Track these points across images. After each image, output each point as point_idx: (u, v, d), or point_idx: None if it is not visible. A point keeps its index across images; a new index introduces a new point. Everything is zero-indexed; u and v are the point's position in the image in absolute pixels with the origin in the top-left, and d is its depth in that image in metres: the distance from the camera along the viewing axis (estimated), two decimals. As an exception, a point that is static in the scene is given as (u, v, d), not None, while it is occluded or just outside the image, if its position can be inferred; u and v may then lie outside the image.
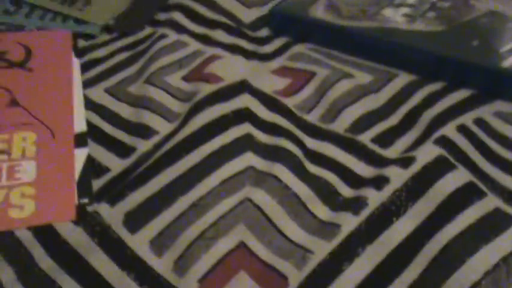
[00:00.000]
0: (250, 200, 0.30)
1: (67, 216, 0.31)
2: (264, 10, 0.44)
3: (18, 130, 0.36)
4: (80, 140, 0.35)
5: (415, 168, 0.30)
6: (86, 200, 0.31)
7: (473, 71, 0.35)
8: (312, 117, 0.35)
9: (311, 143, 0.33)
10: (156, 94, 0.37)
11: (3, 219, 0.31)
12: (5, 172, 0.33)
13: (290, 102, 0.36)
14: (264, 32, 0.43)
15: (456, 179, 0.30)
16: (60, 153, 0.34)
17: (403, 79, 0.37)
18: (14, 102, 0.38)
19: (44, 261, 0.28)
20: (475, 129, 0.32)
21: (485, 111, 0.34)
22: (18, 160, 0.34)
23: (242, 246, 0.29)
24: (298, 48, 0.40)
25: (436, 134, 0.32)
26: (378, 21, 0.39)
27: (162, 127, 0.35)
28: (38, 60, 0.41)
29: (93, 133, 0.35)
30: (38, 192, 0.32)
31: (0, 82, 0.39)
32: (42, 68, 0.40)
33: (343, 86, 0.36)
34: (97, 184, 0.32)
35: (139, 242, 0.29)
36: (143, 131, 0.35)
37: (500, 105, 0.34)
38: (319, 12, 0.41)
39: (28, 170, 0.33)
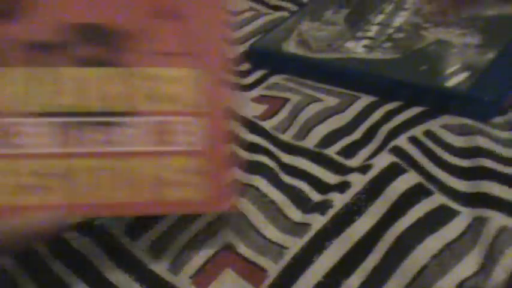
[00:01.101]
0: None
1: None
2: (243, 47, 0.50)
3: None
4: None
5: (372, 173, 0.36)
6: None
7: (423, 91, 0.41)
8: (286, 136, 0.40)
9: (286, 157, 0.39)
10: None
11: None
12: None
13: (267, 124, 0.42)
14: (244, 66, 0.49)
15: (407, 181, 0.35)
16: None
17: (364, 101, 0.42)
18: None
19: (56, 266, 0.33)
20: (424, 139, 0.38)
21: (433, 124, 0.39)
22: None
23: (228, 247, 0.33)
24: (274, 79, 0.46)
25: (391, 145, 0.38)
26: (342, 52, 0.45)
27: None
28: None
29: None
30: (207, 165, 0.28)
31: None
32: None
33: (312, 109, 0.42)
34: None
35: (140, 248, 0.34)
36: None
37: (446, 119, 0.40)
38: (291, 47, 0.47)
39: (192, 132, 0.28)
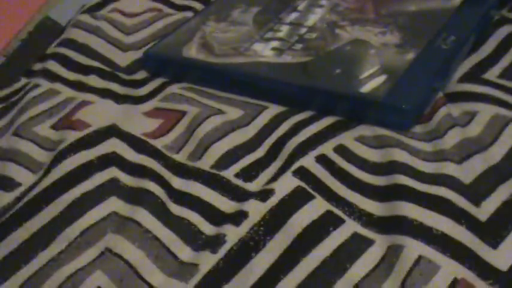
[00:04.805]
0: (109, 250, 0.30)
1: None
2: (139, 53, 0.44)
3: None
4: None
5: (273, 201, 0.30)
6: None
7: (336, 99, 0.36)
8: (181, 156, 0.35)
9: (178, 182, 0.33)
10: (23, 145, 0.36)
11: None
12: None
13: (160, 143, 0.36)
14: (141, 75, 0.43)
15: (313, 209, 0.30)
16: None
17: (271, 112, 0.37)
18: None
19: None
20: (334, 156, 0.33)
21: (346, 137, 0.34)
22: None
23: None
24: (172, 88, 0.40)
25: (296, 165, 0.32)
26: (248, 56, 0.40)
27: (26, 179, 0.34)
28: None
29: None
30: None
31: None
32: None
33: (212, 122, 0.36)
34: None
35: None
36: (5, 183, 0.34)
37: (362, 130, 0.34)
38: (192, 51, 0.41)
39: None
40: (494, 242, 0.28)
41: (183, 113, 0.38)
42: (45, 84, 0.41)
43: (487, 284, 0.26)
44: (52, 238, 0.30)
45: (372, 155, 0.33)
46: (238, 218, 0.30)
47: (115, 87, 0.41)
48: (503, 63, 0.38)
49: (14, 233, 0.31)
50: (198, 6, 0.49)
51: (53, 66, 0.43)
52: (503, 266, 0.27)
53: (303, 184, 0.31)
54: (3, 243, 0.31)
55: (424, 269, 0.27)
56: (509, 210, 0.29)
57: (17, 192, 0.34)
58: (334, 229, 0.29)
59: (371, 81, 0.36)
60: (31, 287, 0.28)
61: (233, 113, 0.37)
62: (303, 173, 0.32)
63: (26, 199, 0.32)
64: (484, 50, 0.40)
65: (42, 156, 0.36)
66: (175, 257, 0.29)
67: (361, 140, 0.34)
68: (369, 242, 0.28)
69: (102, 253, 0.30)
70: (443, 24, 0.40)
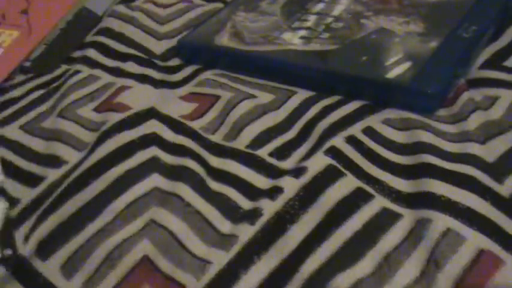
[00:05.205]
0: (154, 221, 0.32)
1: None
2: (173, 42, 0.46)
3: None
4: None
5: (306, 178, 0.32)
6: (9, 252, 0.32)
7: (362, 84, 0.38)
8: (216, 137, 0.37)
9: (215, 161, 0.35)
10: (68, 126, 0.39)
11: None
12: None
13: (196, 125, 0.38)
14: (175, 62, 0.45)
15: (344, 185, 0.32)
16: None
17: (300, 96, 0.39)
18: None
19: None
20: (362, 137, 0.35)
21: (374, 120, 0.36)
22: None
23: (146, 262, 0.30)
24: (206, 74, 0.42)
25: (327, 145, 0.34)
26: (277, 44, 0.42)
27: (72, 157, 0.37)
28: None
29: (7, 169, 0.36)
30: None
31: None
32: None
33: (245, 106, 0.38)
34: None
35: (50, 269, 0.30)
36: (53, 161, 0.36)
37: (388, 113, 0.36)
38: (224, 40, 0.43)
39: None
40: (516, 216, 0.30)
41: (217, 97, 0.40)
42: (85, 70, 0.44)
43: (511, 255, 0.28)
44: (99, 211, 0.33)
45: (399, 137, 0.35)
46: (274, 193, 0.32)
47: (152, 72, 0.43)
48: (523, 51, 0.40)
49: (63, 206, 0.33)
50: (227, -3, 0.52)
51: (92, 53, 0.45)
52: (525, 239, 0.29)
53: (334, 162, 0.33)
54: (53, 216, 0.33)
55: (451, 241, 0.28)
56: (530, 187, 0.31)
57: (64, 169, 0.36)
58: (365, 204, 0.31)
59: (396, 68, 0.38)
60: (80, 256, 0.31)
61: (264, 97, 0.39)
62: (334, 152, 0.34)
63: (73, 175, 0.35)
64: (503, 39, 0.41)
65: (87, 136, 0.38)
66: (215, 229, 0.31)
67: (387, 122, 0.36)
68: (398, 216, 0.30)
69: (147, 224, 0.32)
70: (464, 14, 0.42)
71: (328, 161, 0.33)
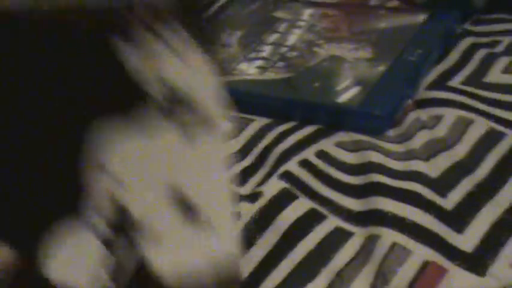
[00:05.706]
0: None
1: None
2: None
3: None
4: None
5: (262, 202, 0.34)
6: None
7: (315, 109, 0.40)
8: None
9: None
10: None
11: None
12: None
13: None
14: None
15: (298, 208, 0.33)
16: None
17: (258, 124, 0.40)
18: None
19: None
20: (316, 160, 0.36)
21: (326, 143, 0.38)
22: None
23: None
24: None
25: (281, 169, 0.36)
26: (234, 75, 0.44)
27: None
28: None
29: None
30: None
31: None
32: None
33: (204, 136, 0.40)
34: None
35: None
36: None
37: (340, 136, 0.38)
38: (183, 72, 0.45)
39: None
40: (459, 227, 0.31)
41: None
42: None
43: (455, 264, 0.30)
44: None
45: (350, 158, 0.37)
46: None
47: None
48: (466, 71, 0.42)
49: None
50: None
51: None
52: (468, 248, 0.30)
53: (288, 186, 0.35)
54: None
55: (398, 255, 0.30)
56: (472, 199, 0.32)
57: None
58: (318, 224, 0.32)
59: (346, 92, 0.40)
60: None
61: (224, 126, 0.41)
62: (287, 176, 0.35)
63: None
64: (448, 60, 0.44)
65: None
66: None
67: (339, 145, 0.38)
68: (349, 234, 0.32)
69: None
70: (410, 39, 0.44)
71: (282, 184, 0.35)
